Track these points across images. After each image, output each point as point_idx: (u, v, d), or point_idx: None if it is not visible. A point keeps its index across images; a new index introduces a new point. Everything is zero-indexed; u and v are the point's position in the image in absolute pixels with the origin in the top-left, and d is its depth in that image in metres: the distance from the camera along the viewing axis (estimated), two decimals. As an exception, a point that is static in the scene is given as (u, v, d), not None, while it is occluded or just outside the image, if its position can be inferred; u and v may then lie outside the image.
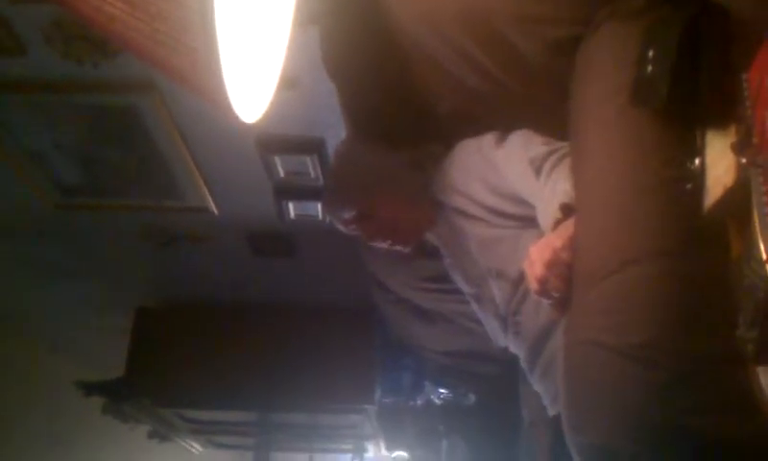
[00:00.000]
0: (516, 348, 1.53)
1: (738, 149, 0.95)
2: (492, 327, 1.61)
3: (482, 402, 2.32)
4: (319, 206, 2.51)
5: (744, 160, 0.94)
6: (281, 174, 2.35)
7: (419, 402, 2.77)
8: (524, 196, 1.40)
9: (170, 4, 0.72)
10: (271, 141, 2.21)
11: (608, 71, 1.24)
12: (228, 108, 0.82)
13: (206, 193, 2.46)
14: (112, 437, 3.56)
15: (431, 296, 1.90)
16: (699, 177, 1.07)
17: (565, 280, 1.19)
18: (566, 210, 1.24)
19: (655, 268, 1.06)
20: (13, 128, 2.16)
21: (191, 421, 3.46)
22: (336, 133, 2.02)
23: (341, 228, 1.71)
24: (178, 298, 3.25)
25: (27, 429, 3.43)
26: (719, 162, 1.04)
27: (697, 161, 1.08)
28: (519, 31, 1.42)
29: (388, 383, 2.84)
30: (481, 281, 1.58)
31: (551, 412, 1.41)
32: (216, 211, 2.57)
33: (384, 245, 1.67)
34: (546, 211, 1.30)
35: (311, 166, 2.32)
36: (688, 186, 1.08)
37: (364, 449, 3.71)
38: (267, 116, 0.96)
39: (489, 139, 1.51)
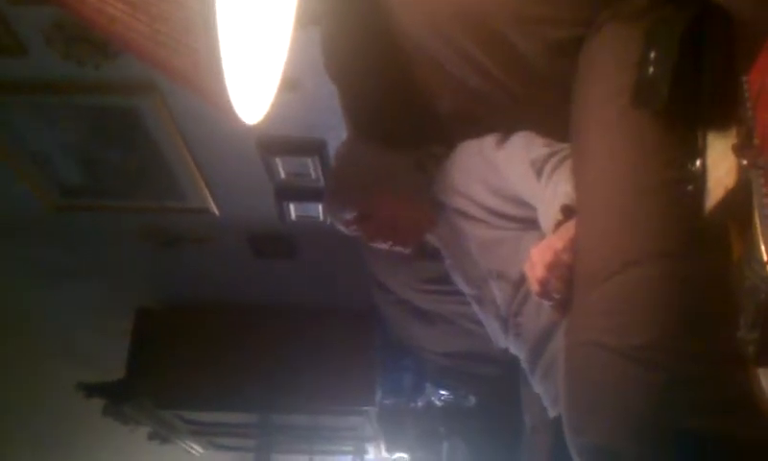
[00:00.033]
0: (517, 349, 1.53)
1: (739, 150, 0.95)
2: (492, 328, 1.61)
3: (483, 404, 2.31)
4: (320, 207, 2.51)
5: (745, 162, 0.94)
6: (282, 175, 2.36)
7: (419, 404, 2.77)
8: (525, 197, 1.40)
9: (171, 5, 0.72)
10: (272, 143, 2.22)
11: (609, 72, 1.24)
12: (229, 109, 0.82)
13: (207, 194, 2.46)
14: (113, 439, 3.55)
15: (431, 297, 1.89)
16: (700, 178, 1.07)
17: (566, 282, 1.19)
18: (567, 212, 1.24)
19: (656, 269, 1.06)
20: (15, 128, 2.16)
21: (192, 422, 3.46)
22: (337, 135, 2.02)
23: (342, 229, 1.71)
24: (178, 299, 3.24)
25: (27, 431, 3.42)
26: (720, 164, 1.04)
27: (698, 163, 1.08)
28: (520, 32, 1.42)
29: (388, 385, 2.83)
30: (482, 283, 1.57)
31: (552, 414, 1.41)
32: (217, 212, 2.57)
33: (385, 246, 1.67)
34: (547, 213, 1.30)
35: (312, 168, 2.32)
36: (690, 188, 1.08)
37: (364, 451, 3.71)
38: (268, 118, 0.96)
39: (490, 141, 1.51)
